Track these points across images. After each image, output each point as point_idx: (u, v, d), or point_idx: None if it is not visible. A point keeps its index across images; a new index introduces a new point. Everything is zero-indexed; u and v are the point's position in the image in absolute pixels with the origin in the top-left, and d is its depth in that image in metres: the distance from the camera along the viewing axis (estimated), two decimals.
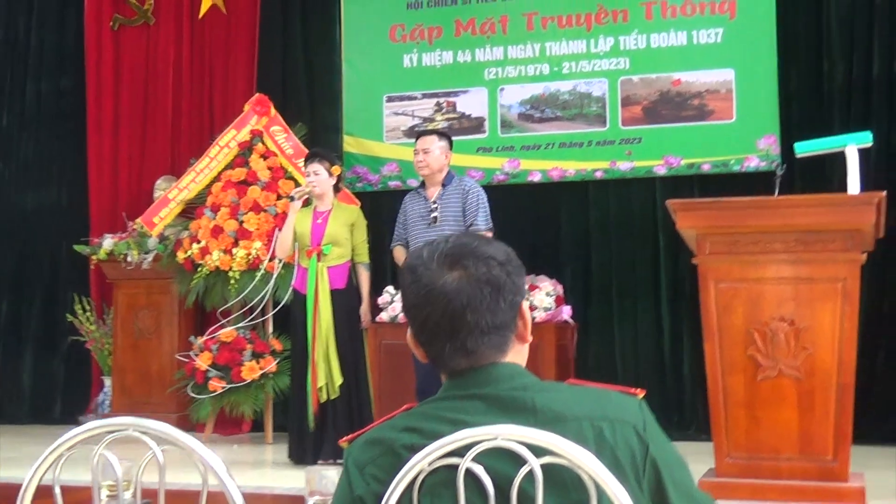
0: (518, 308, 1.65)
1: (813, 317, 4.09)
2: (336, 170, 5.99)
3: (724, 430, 4.22)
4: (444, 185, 5.88)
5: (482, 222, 5.77)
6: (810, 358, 4.08)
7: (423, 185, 6.01)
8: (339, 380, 5.81)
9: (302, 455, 5.86)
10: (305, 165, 6.08)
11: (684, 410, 7.01)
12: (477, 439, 1.47)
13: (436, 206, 5.82)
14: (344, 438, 1.70)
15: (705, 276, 4.26)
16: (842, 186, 6.45)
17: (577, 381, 1.67)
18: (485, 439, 1.47)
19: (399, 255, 6.02)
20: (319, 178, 5.95)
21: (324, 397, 5.81)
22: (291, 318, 6.09)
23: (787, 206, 4.21)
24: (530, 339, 1.68)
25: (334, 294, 5.85)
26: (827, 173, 6.57)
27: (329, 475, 2.35)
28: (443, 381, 1.66)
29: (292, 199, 6.01)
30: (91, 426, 1.86)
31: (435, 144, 5.89)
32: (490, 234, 5.68)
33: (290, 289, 6.35)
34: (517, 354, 1.66)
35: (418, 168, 5.95)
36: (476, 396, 1.58)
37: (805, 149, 4.50)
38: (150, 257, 7.67)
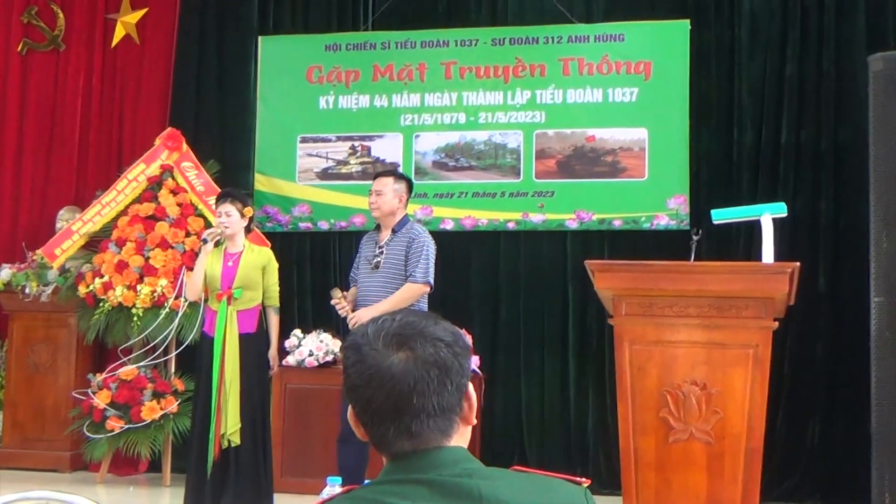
0: (464, 390, 1.63)
1: (725, 381, 4.14)
2: (248, 211, 5.90)
3: (634, 491, 4.23)
4: (394, 231, 5.65)
5: (420, 275, 5.51)
6: (721, 422, 4.12)
7: (378, 227, 5.83)
8: (236, 426, 5.69)
9: (201, 502, 5.71)
10: (217, 205, 5.97)
11: (587, 464, 7.03)
12: None
13: (381, 251, 5.63)
14: None
15: (621, 337, 4.27)
16: (747, 248, 6.65)
17: (522, 468, 1.65)
18: None
19: (352, 294, 5.78)
20: (231, 218, 5.84)
21: (225, 444, 5.69)
22: (197, 361, 5.95)
23: (704, 271, 4.26)
24: (475, 421, 1.66)
25: (243, 338, 5.73)
26: (734, 236, 6.74)
27: None
28: (384, 463, 1.63)
29: (205, 241, 5.88)
30: (8, 500, 1.77)
31: (389, 186, 5.67)
32: (427, 289, 5.57)
33: (197, 330, 6.23)
34: (461, 437, 1.63)
35: (371, 209, 5.79)
36: (419, 482, 1.54)
37: (722, 216, 4.57)
38: (49, 290, 7.46)
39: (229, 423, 5.64)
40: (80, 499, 1.74)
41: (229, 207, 5.84)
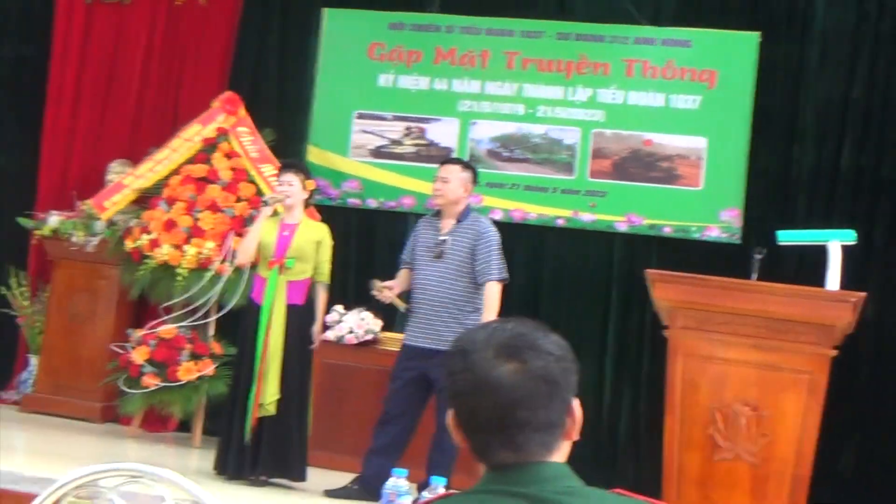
0: (569, 406, 1.62)
1: (776, 405, 4.13)
2: (310, 184, 5.92)
3: None
4: (458, 221, 5.64)
5: (495, 273, 5.54)
6: (769, 445, 4.12)
7: (438, 213, 5.79)
8: (275, 396, 5.71)
9: (236, 468, 5.72)
10: (280, 174, 6.01)
11: (615, 468, 7.00)
12: None
13: (444, 241, 5.60)
14: None
15: (674, 349, 4.27)
16: (796, 269, 6.59)
17: (623, 491, 1.64)
18: None
19: (401, 277, 5.83)
20: (293, 188, 5.87)
21: (262, 413, 5.71)
22: (241, 328, 5.97)
23: (764, 292, 4.24)
24: (577, 437, 1.65)
25: (290, 309, 5.76)
26: (783, 255, 6.66)
27: None
28: (482, 472, 1.62)
29: (266, 203, 5.92)
30: (96, 470, 1.78)
31: (455, 174, 5.66)
32: (502, 285, 5.58)
33: (241, 296, 6.25)
34: (562, 453, 1.62)
35: (434, 195, 5.76)
36: (519, 495, 1.54)
37: (788, 238, 4.56)
38: (95, 240, 7.48)
39: (268, 393, 5.67)
40: (168, 472, 1.74)
41: (292, 177, 5.87)
